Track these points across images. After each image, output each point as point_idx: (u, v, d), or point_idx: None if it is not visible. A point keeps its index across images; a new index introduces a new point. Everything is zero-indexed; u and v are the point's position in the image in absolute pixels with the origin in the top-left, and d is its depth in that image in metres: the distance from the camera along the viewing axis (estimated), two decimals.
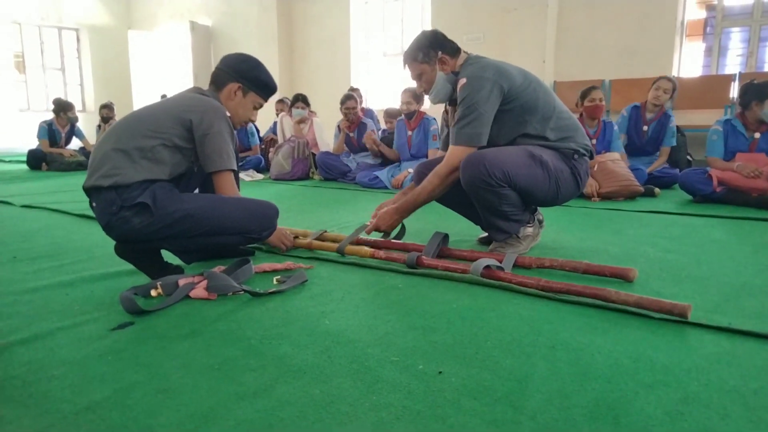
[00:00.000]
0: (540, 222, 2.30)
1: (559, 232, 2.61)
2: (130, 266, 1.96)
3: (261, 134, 6.61)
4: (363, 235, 2.27)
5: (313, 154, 5.56)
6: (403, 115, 4.80)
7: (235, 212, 1.84)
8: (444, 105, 2.34)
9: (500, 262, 1.89)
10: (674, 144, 4.46)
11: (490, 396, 1.01)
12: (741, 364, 1.14)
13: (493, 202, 2.02)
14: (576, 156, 2.09)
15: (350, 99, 5.15)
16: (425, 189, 2.12)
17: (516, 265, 1.91)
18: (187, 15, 10.02)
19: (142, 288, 1.64)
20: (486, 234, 2.35)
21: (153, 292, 1.65)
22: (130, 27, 10.96)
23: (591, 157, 2.19)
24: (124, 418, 0.95)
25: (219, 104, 1.91)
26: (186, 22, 9.74)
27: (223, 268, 1.84)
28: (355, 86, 7.03)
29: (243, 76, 1.97)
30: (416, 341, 1.28)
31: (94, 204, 1.77)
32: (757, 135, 3.56)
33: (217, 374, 1.12)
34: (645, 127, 4.49)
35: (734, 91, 5.58)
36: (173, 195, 1.77)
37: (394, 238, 2.31)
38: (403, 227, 2.33)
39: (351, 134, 5.32)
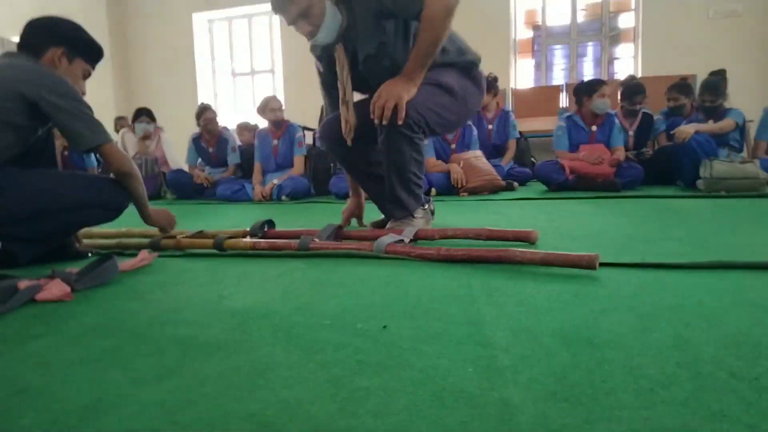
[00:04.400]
0: (432, 213, 2.24)
1: (445, 217, 2.60)
2: None
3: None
4: None
5: (164, 173, 5.07)
6: (268, 124, 4.56)
7: (93, 184, 1.66)
8: (319, 63, 2.16)
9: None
10: (517, 136, 4.84)
11: (451, 339, 0.88)
12: (674, 288, 1.14)
13: (406, 156, 1.90)
14: (474, 68, 2.09)
15: (207, 110, 4.81)
16: (429, 39, 1.80)
17: (418, 238, 1.82)
18: None
19: None
20: (380, 219, 2.24)
21: None
22: None
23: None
24: None
25: (60, 75, 1.60)
26: None
27: (76, 270, 1.49)
28: (206, 102, 6.63)
29: (65, 38, 1.67)
30: (343, 305, 1.10)
31: None
32: (594, 128, 3.96)
33: (96, 366, 0.83)
34: (490, 126, 4.80)
35: (563, 100, 6.24)
36: (23, 173, 1.51)
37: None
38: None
39: (210, 149, 4.93)
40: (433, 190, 4.01)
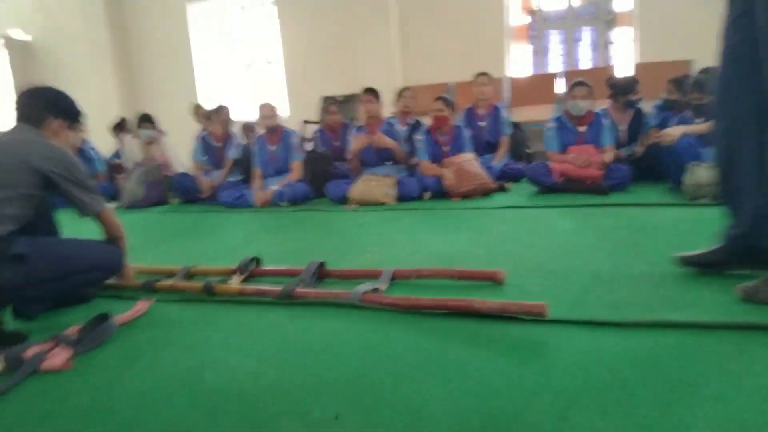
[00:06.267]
0: None
1: (429, 237, 2.72)
2: None
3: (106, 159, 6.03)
4: None
5: (168, 176, 5.20)
6: (263, 131, 4.65)
7: (95, 249, 1.88)
8: None
9: (378, 277, 1.93)
10: (509, 133, 4.85)
11: None
12: (607, 357, 1.24)
13: None
14: None
15: (224, 107, 4.99)
16: None
17: (394, 279, 1.94)
18: None
19: None
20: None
21: None
22: None
23: None
24: None
25: (64, 149, 1.86)
26: None
27: (77, 327, 1.64)
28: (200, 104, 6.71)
29: (63, 111, 1.94)
30: (307, 383, 1.23)
31: None
32: (582, 128, 4.00)
33: None
34: (482, 123, 4.84)
35: (559, 87, 6.23)
36: (41, 242, 1.75)
37: None
38: None
39: (218, 144, 5.03)
40: (427, 194, 4.11)
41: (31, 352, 1.47)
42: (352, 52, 7.14)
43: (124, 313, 1.78)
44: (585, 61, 6.55)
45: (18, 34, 8.74)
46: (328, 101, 5.31)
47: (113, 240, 1.93)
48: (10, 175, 1.65)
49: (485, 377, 1.20)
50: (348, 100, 7.09)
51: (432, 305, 1.62)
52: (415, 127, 4.84)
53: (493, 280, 1.87)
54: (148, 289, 2.06)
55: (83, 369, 1.42)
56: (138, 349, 1.53)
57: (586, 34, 6.50)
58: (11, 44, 8.53)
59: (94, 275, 1.86)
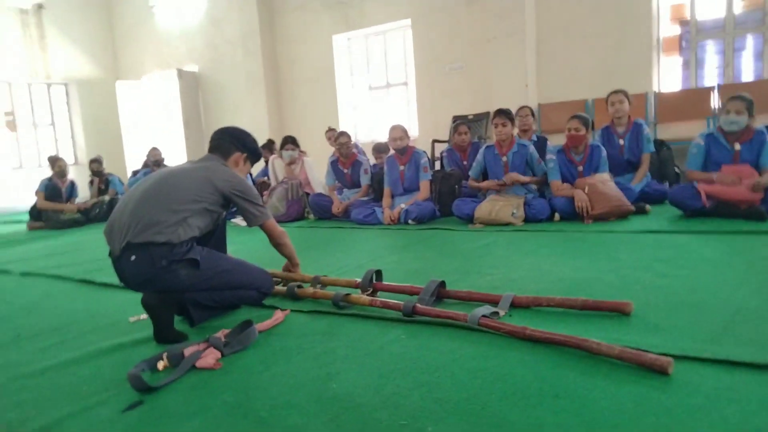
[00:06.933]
0: None
1: (555, 262, 2.65)
2: (135, 336, 1.99)
3: (253, 177, 6.67)
4: None
5: (307, 194, 5.62)
6: (393, 151, 4.86)
7: (253, 271, 2.17)
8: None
9: (497, 303, 1.94)
10: (651, 151, 4.53)
11: None
12: (741, 399, 1.16)
13: None
14: None
15: (343, 134, 5.31)
16: None
17: (513, 305, 1.94)
18: (174, 63, 10.17)
19: (148, 362, 1.66)
20: None
21: (159, 365, 1.67)
22: (118, 77, 11.11)
23: None
24: None
25: (240, 176, 2.20)
26: (173, 70, 9.88)
27: (226, 331, 1.87)
28: (332, 126, 7.15)
29: (248, 148, 2.27)
30: (423, 400, 1.30)
31: (133, 257, 1.87)
32: (738, 146, 3.63)
33: None
34: (621, 141, 4.57)
35: (714, 102, 5.69)
36: (212, 254, 2.05)
37: None
38: None
39: (345, 170, 5.38)
40: (557, 216, 3.98)
41: (189, 351, 1.71)
42: (484, 72, 7.16)
43: (264, 321, 1.99)
44: (747, 72, 5.91)
45: (189, 66, 10.03)
46: (459, 121, 5.40)
47: (277, 246, 2.29)
48: (199, 192, 1.99)
49: (600, 410, 1.17)
50: (478, 119, 7.12)
51: (547, 339, 1.59)
52: (538, 143, 4.73)
53: (620, 312, 1.79)
54: (291, 294, 2.30)
55: (229, 369, 1.62)
56: (274, 355, 1.70)
57: (750, 43, 5.86)
58: (182, 74, 9.80)
59: (248, 293, 2.14)
